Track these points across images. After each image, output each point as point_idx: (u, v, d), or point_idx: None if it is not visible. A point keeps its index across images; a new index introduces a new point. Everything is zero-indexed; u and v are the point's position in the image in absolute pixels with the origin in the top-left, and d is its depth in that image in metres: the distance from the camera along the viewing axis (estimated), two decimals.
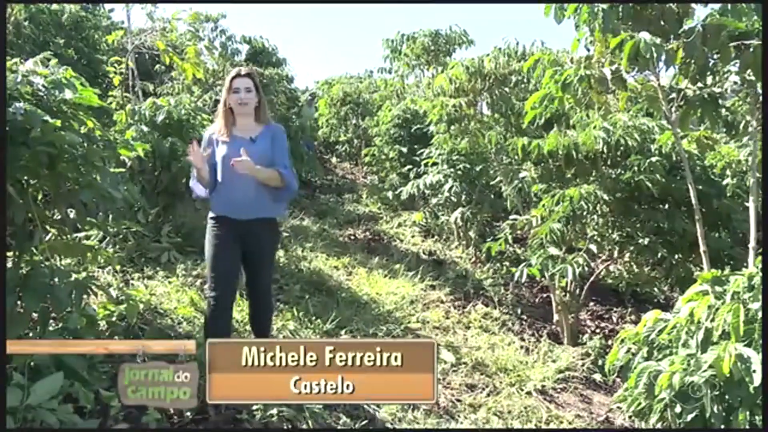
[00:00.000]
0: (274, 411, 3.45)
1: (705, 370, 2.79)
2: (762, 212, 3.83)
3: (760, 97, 3.76)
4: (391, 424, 3.66)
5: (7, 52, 4.31)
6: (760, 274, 2.95)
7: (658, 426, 3.09)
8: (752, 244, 3.83)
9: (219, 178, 3.55)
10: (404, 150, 10.06)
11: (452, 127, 6.88)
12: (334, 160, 15.53)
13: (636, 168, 5.21)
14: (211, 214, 3.60)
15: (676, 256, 5.44)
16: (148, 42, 5.71)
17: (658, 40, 3.52)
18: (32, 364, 2.97)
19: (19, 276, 3.06)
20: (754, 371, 2.62)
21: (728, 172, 5.44)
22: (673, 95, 4.10)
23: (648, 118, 5.43)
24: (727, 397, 2.80)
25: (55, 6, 8.41)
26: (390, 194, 10.32)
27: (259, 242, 3.64)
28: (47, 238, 3.30)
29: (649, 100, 4.22)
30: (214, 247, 3.54)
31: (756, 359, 2.63)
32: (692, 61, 3.71)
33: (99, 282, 3.28)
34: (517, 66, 6.46)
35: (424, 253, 8.12)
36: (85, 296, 3.21)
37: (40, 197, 3.25)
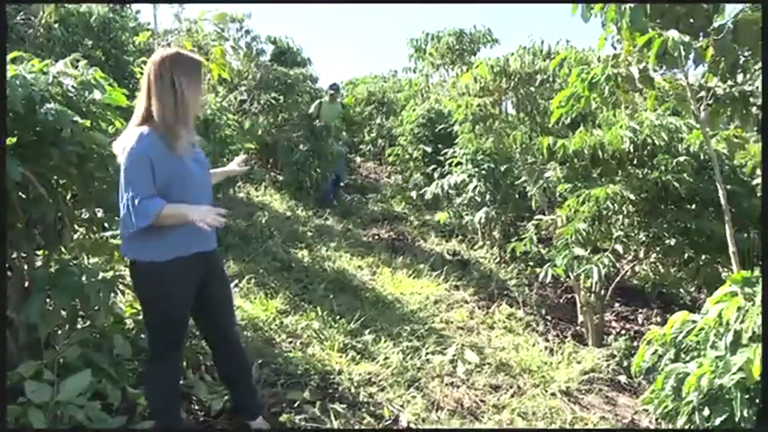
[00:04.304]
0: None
1: (734, 373, 2.74)
2: (763, 211, 3.77)
3: None
4: (414, 424, 3.65)
5: (38, 54, 4.38)
6: None
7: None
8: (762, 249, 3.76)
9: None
10: (428, 150, 10.05)
11: (477, 127, 6.87)
12: (358, 159, 15.55)
13: (663, 168, 5.14)
14: (166, 257, 2.67)
15: (704, 257, 5.36)
16: (174, 42, 5.75)
17: (686, 38, 3.46)
18: (61, 361, 3.02)
19: (48, 274, 3.11)
20: None
21: (758, 172, 5.34)
22: (702, 93, 4.04)
23: (675, 117, 5.35)
24: (757, 400, 2.76)
25: (83, 8, 8.52)
26: (414, 194, 10.31)
27: (224, 276, 3.07)
28: (76, 237, 3.35)
29: (678, 98, 4.16)
30: (177, 297, 2.76)
31: None
32: (722, 58, 3.65)
33: (126, 281, 3.30)
34: (543, 65, 6.42)
35: (448, 253, 8.09)
36: (112, 295, 3.25)
37: (69, 197, 3.29)
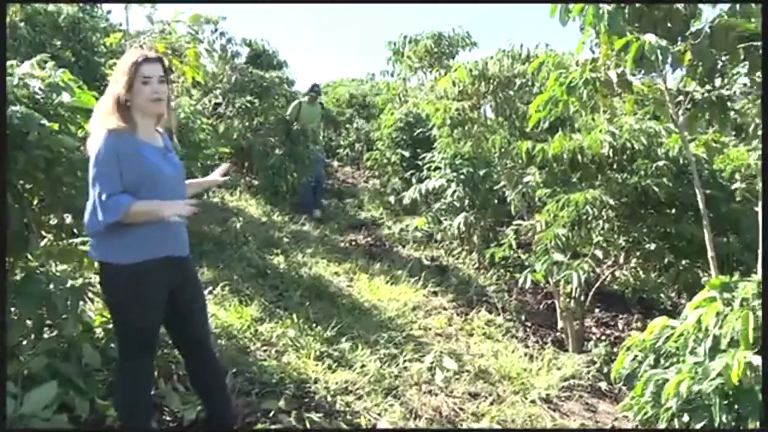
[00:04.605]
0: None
1: (713, 379, 2.74)
2: (761, 212, 3.77)
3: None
4: None
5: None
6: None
7: None
8: (761, 249, 3.76)
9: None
10: (406, 154, 10.00)
11: (455, 131, 6.83)
12: (335, 163, 15.48)
13: (642, 172, 5.14)
14: (135, 260, 2.60)
15: (684, 262, 5.37)
16: (147, 44, 5.65)
17: (664, 42, 3.46)
18: (26, 372, 2.92)
19: (13, 282, 3.01)
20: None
21: (737, 176, 5.36)
22: (681, 98, 4.05)
23: (655, 121, 5.36)
24: (736, 406, 2.75)
25: (51, 7, 8.33)
26: (392, 199, 10.26)
27: (197, 283, 3.01)
28: (43, 243, 3.25)
29: (656, 103, 4.16)
30: (146, 301, 2.69)
31: None
32: (700, 63, 3.65)
33: (95, 288, 3.21)
34: (522, 69, 6.40)
35: (426, 259, 8.05)
36: (81, 303, 3.16)
37: (36, 202, 3.20)
